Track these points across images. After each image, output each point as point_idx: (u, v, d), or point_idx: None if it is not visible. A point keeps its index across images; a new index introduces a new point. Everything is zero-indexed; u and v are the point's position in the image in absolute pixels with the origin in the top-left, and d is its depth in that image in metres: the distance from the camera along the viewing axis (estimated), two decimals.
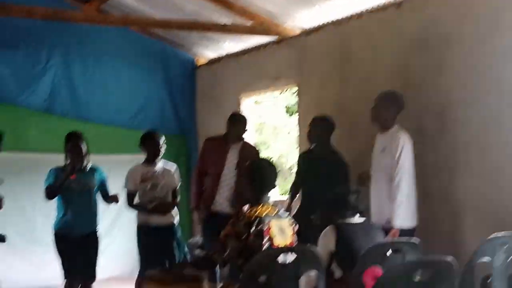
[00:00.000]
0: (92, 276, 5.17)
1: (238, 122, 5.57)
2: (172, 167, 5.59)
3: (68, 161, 5.11)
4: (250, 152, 5.53)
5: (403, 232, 4.56)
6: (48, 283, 6.33)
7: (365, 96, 5.21)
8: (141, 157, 5.54)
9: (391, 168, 4.64)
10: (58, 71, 7.37)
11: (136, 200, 5.44)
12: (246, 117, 5.74)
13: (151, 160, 5.45)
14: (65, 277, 5.11)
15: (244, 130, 5.57)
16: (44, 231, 5.67)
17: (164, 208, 5.37)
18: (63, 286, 5.13)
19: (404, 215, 4.61)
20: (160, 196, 5.39)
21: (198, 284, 4.04)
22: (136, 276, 5.45)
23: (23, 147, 7.03)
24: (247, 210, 3.66)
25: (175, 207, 5.54)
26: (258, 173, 3.84)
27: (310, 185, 5.32)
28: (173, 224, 5.47)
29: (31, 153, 7.01)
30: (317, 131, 5.36)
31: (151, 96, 8.05)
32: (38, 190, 5.24)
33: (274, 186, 3.84)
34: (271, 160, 4.07)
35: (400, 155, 4.60)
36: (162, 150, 5.48)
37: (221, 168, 5.46)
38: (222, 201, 5.47)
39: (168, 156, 5.88)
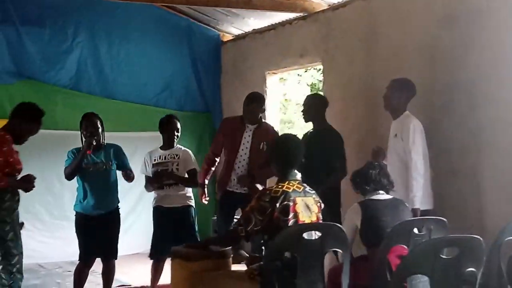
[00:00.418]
0: (113, 252, 5.20)
1: (255, 102, 5.53)
2: (186, 151, 5.55)
3: (84, 139, 5.09)
4: (266, 132, 5.49)
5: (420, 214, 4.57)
6: (75, 257, 6.40)
7: (392, 72, 5.13)
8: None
9: (404, 152, 4.70)
10: (84, 49, 7.40)
11: None
12: (264, 97, 5.69)
13: (166, 145, 5.48)
14: (81, 258, 5.11)
15: (260, 110, 5.53)
16: (71, 207, 5.73)
17: (162, 178, 5.31)
18: (77, 267, 5.14)
19: (421, 197, 4.61)
20: (170, 182, 5.37)
21: (224, 260, 4.08)
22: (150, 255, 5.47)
23: (50, 125, 7.08)
24: (274, 185, 3.65)
25: (191, 188, 5.53)
26: (284, 149, 3.82)
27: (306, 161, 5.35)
28: (188, 206, 5.45)
29: (58, 130, 7.08)
30: (311, 109, 5.45)
31: (176, 73, 8.05)
32: None
33: (300, 162, 3.83)
34: (298, 137, 4.04)
35: (413, 139, 4.65)
36: (178, 133, 5.48)
37: (236, 148, 5.47)
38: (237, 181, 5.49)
39: (193, 134, 5.92)
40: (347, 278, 3.63)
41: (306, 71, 10.93)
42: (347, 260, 3.63)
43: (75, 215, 5.17)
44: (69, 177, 5.09)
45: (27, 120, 4.21)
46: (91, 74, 7.47)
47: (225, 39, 8.31)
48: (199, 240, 5.29)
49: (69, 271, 6.19)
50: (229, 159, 5.49)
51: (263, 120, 5.62)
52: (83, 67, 7.41)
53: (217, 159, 5.68)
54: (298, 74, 11.23)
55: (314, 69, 9.70)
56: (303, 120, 5.65)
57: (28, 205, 5.00)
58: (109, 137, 6.21)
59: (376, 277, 3.80)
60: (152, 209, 5.46)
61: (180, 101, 8.08)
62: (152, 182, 5.35)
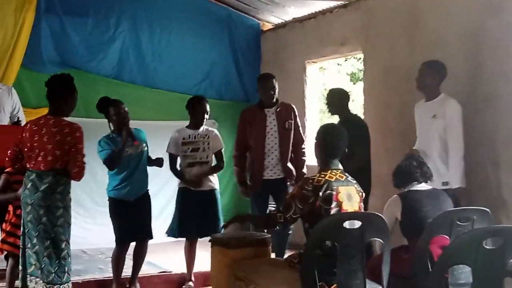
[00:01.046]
0: (148, 232, 5.26)
1: (267, 79, 5.56)
2: (213, 131, 5.61)
3: (115, 128, 5.13)
4: (288, 110, 5.54)
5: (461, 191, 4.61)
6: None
7: None
8: (208, 123, 5.61)
9: (444, 132, 4.79)
10: (126, 39, 7.48)
11: (179, 162, 5.53)
12: (274, 76, 5.66)
13: (194, 124, 5.51)
14: (118, 242, 5.19)
15: (273, 90, 5.52)
16: None
17: (198, 185, 5.40)
18: (114, 251, 5.23)
19: (462, 176, 4.69)
20: (201, 159, 5.45)
21: (264, 247, 4.10)
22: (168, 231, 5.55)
23: (93, 113, 7.20)
24: (317, 174, 3.64)
25: (217, 172, 5.59)
26: (328, 138, 3.81)
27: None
28: (214, 189, 5.51)
29: (100, 118, 7.18)
30: (334, 101, 5.58)
31: (216, 63, 8.08)
32: None
33: (344, 152, 3.81)
34: (342, 127, 4.01)
35: (456, 119, 4.76)
36: (207, 115, 5.52)
37: (263, 136, 5.48)
38: (271, 168, 5.51)
39: (232, 123, 5.93)
40: (387, 268, 3.61)
41: (346, 60, 10.84)
42: (387, 250, 3.60)
43: (108, 200, 5.25)
44: (113, 167, 5.11)
45: (74, 93, 4.27)
46: (133, 63, 7.55)
47: (265, 28, 8.30)
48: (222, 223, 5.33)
49: (111, 257, 6.32)
50: (258, 149, 5.50)
51: (279, 101, 5.61)
52: (125, 56, 7.49)
53: (246, 156, 5.66)
54: (338, 64, 11.14)
55: (354, 58, 9.61)
56: (329, 113, 5.79)
57: (72, 192, 5.07)
58: (150, 126, 6.33)
59: (417, 268, 3.77)
60: (177, 190, 5.52)
61: (220, 91, 8.11)
62: (194, 184, 5.38)
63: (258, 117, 5.53)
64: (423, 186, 4.22)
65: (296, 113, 5.66)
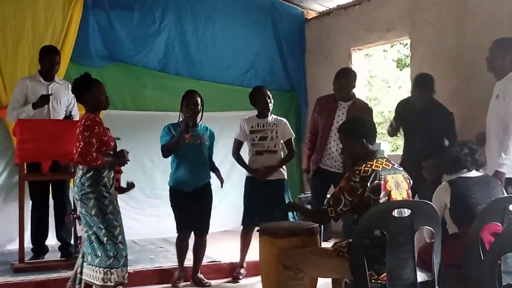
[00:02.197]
0: (205, 227, 5.35)
1: (345, 78, 5.48)
2: (282, 120, 5.64)
3: (183, 118, 5.23)
4: (359, 109, 5.43)
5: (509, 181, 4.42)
6: (166, 235, 6.64)
7: (484, 46, 4.89)
8: (252, 113, 5.63)
9: (505, 113, 4.53)
10: (171, 31, 7.53)
11: (247, 149, 5.57)
12: (354, 72, 5.61)
13: (261, 113, 5.55)
14: (179, 230, 5.30)
15: (351, 86, 5.47)
16: (162, 185, 5.91)
17: (263, 176, 5.43)
18: (177, 238, 5.33)
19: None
20: (269, 148, 5.47)
21: (311, 237, 4.10)
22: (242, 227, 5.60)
23: (140, 106, 7.34)
24: (363, 165, 3.61)
25: (287, 163, 5.61)
26: (367, 127, 3.79)
27: (416, 137, 5.21)
28: (282, 179, 5.54)
29: (148, 111, 7.30)
30: (418, 87, 5.28)
31: (260, 53, 8.07)
32: (156, 147, 5.45)
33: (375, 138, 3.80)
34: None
35: None
36: (271, 103, 5.53)
37: (329, 126, 5.44)
38: (330, 160, 5.47)
39: (278, 113, 5.92)
40: (438, 257, 3.57)
41: (392, 46, 10.68)
42: (438, 238, 3.55)
43: (169, 190, 5.34)
44: (166, 155, 5.25)
45: (91, 87, 4.34)
46: (178, 55, 7.60)
47: (309, 17, 8.24)
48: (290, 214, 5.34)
49: (161, 247, 6.44)
50: (322, 137, 5.48)
51: (356, 97, 5.55)
52: (170, 49, 7.55)
53: (317, 140, 5.63)
54: (384, 50, 10.98)
55: (400, 44, 9.45)
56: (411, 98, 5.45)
57: (121, 184, 5.18)
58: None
59: (469, 256, 3.71)
60: (245, 178, 5.57)
61: (265, 80, 8.10)
62: (260, 176, 5.43)
63: (329, 106, 5.50)
64: (473, 173, 4.14)
65: (371, 112, 5.61)
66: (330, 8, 7.80)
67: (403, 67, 11.27)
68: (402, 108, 5.46)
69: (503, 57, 4.65)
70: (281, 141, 5.57)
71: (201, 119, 5.37)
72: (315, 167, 5.53)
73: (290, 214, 5.31)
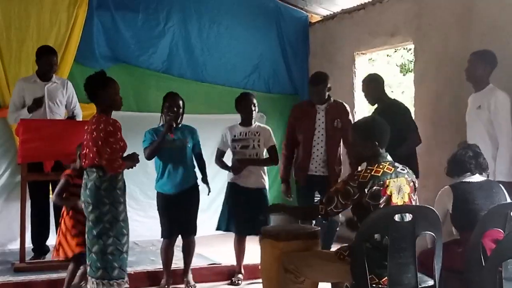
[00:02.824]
0: (193, 229, 5.31)
1: (320, 82, 5.47)
2: (266, 128, 5.63)
3: (165, 120, 5.20)
4: (337, 109, 5.48)
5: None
6: None
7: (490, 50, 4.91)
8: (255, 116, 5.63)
9: (490, 124, 4.72)
10: (176, 33, 7.54)
11: (230, 158, 5.57)
12: (327, 76, 5.59)
13: (245, 121, 5.54)
14: (165, 236, 5.27)
15: (326, 89, 5.47)
16: None
17: (237, 171, 5.42)
18: (162, 244, 5.32)
19: (508, 169, 4.61)
20: (251, 157, 5.48)
21: (313, 240, 4.09)
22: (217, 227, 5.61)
23: (143, 107, 7.34)
24: (363, 170, 3.59)
25: (268, 165, 5.62)
26: (377, 129, 3.72)
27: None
28: (262, 188, 5.53)
29: (151, 112, 7.28)
30: (370, 91, 5.42)
31: (264, 56, 8.07)
32: None
33: (387, 143, 3.75)
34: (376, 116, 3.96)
35: (502, 111, 4.68)
36: (255, 111, 5.54)
37: (311, 132, 5.44)
38: (315, 165, 5.47)
39: (281, 116, 5.94)
40: (439, 262, 3.56)
41: (395, 51, 10.67)
42: (439, 243, 3.54)
43: (156, 195, 5.33)
44: (149, 157, 5.21)
45: (107, 86, 4.29)
46: (182, 57, 7.61)
47: (313, 20, 8.24)
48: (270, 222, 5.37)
49: (160, 250, 6.41)
50: (305, 144, 5.47)
51: (331, 98, 5.56)
52: (174, 51, 7.56)
53: (294, 153, 5.62)
54: (388, 55, 10.98)
55: (404, 48, 9.45)
56: (369, 104, 5.65)
57: None
58: (199, 119, 6.39)
59: (470, 262, 3.69)
60: (226, 184, 5.57)
61: (268, 84, 8.11)
62: (234, 170, 5.44)
63: (308, 112, 5.51)
64: (476, 178, 4.13)
65: (348, 111, 5.60)
66: (334, 12, 7.80)
67: (407, 72, 11.27)
68: None
69: (482, 68, 4.83)
70: (264, 149, 5.56)
71: (181, 121, 5.31)
72: (304, 175, 5.50)
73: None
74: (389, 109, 5.19)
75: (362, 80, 5.59)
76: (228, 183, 5.58)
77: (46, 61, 5.71)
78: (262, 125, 5.69)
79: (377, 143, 3.66)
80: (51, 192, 5.84)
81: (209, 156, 5.63)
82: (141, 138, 6.81)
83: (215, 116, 7.19)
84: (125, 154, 4.38)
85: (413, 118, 5.56)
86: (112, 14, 7.18)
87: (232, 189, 5.52)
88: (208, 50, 7.75)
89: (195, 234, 5.34)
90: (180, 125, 5.28)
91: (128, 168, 4.43)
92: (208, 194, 5.36)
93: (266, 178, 5.60)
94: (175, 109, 5.20)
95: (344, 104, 5.65)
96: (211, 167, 5.60)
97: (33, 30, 6.62)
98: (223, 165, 5.57)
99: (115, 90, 4.31)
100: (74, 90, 6.06)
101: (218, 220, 5.58)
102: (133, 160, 4.38)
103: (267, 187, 5.61)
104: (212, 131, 6.21)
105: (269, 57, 8.11)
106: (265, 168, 5.61)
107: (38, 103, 5.59)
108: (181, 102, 5.26)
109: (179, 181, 5.21)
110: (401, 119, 5.17)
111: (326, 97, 5.51)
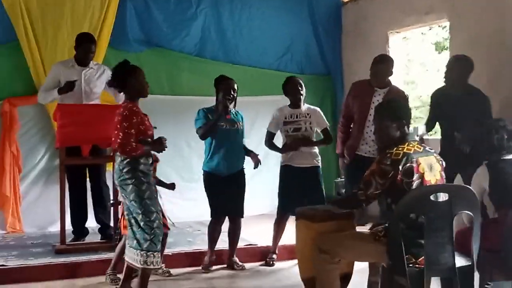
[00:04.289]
0: (240, 211, 5.39)
1: (382, 64, 5.39)
2: (316, 109, 5.62)
3: (220, 101, 5.25)
4: (397, 96, 5.32)
5: None
6: (203, 218, 6.68)
7: None
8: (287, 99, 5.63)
9: None
10: (208, 16, 7.55)
11: (282, 141, 5.58)
12: (392, 59, 5.54)
13: (294, 103, 5.54)
14: (213, 216, 5.35)
15: (389, 73, 5.40)
16: (199, 169, 5.94)
17: (296, 147, 5.42)
18: (210, 223, 5.39)
19: None
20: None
21: (348, 221, 4.10)
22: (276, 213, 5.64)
23: (177, 90, 7.40)
24: (394, 148, 3.59)
25: (322, 145, 5.63)
26: (403, 110, 3.77)
27: (452, 123, 5.13)
28: (317, 167, 5.54)
29: (184, 96, 7.35)
30: (454, 73, 5.19)
31: (296, 37, 8.03)
32: (192, 131, 5.48)
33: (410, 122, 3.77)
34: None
35: None
36: (304, 93, 5.53)
37: (366, 112, 5.36)
38: (366, 146, 5.42)
39: (314, 97, 5.92)
40: (477, 242, 3.54)
41: (430, 29, 10.49)
42: (477, 223, 3.52)
43: (203, 174, 5.38)
44: (203, 137, 5.27)
45: (134, 74, 4.36)
46: (215, 40, 7.62)
47: (345, 0, 8.15)
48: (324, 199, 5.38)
49: (199, 230, 6.51)
50: (359, 124, 5.43)
51: (392, 84, 5.47)
52: (206, 33, 7.57)
53: (351, 125, 5.59)
54: (422, 33, 10.80)
55: (439, 26, 9.29)
56: (445, 84, 5.35)
57: (160, 169, 5.25)
58: None
59: (508, 240, 3.66)
60: (280, 167, 5.59)
61: (301, 65, 8.07)
62: (289, 148, 5.45)
63: (365, 92, 5.43)
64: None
65: (408, 100, 5.52)
66: None
67: (442, 50, 11.08)
68: (438, 97, 5.39)
69: None
70: (317, 130, 5.56)
71: (235, 105, 5.38)
72: (352, 153, 5.49)
73: None
74: (471, 95, 5.06)
75: (450, 58, 5.37)
76: (282, 166, 5.59)
77: (85, 48, 5.77)
78: (312, 106, 5.67)
79: (404, 122, 3.67)
80: (88, 175, 5.97)
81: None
82: (175, 121, 6.93)
83: (248, 98, 7.18)
84: (156, 137, 4.45)
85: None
86: None
87: (287, 171, 5.52)
88: (240, 32, 7.74)
89: (242, 217, 5.42)
90: (234, 109, 5.36)
91: (157, 152, 4.49)
92: (255, 167, 5.40)
93: (319, 157, 5.60)
94: (232, 92, 5.27)
95: (405, 92, 5.59)
96: (257, 151, 5.61)
97: (67, 16, 6.70)
98: (275, 148, 5.59)
99: (143, 77, 4.40)
100: None
101: (278, 205, 5.60)
102: (159, 144, 4.42)
103: (320, 164, 5.60)
104: (245, 114, 6.21)
105: (301, 38, 8.06)
106: (317, 148, 5.61)
107: (70, 86, 5.65)
108: (236, 86, 5.32)
109: (232, 163, 5.29)
110: (482, 107, 5.05)
111: (386, 80, 5.42)
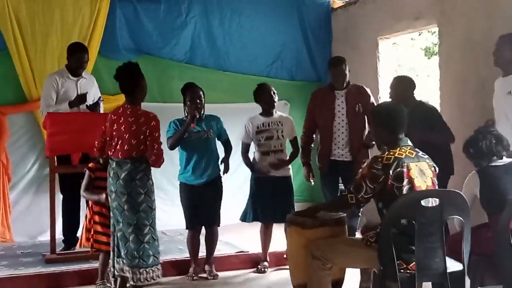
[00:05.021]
0: (216, 220, 5.36)
1: (337, 66, 5.45)
2: (288, 118, 5.65)
3: (188, 111, 5.22)
4: (359, 93, 5.45)
5: None
6: None
7: None
8: (279, 104, 5.62)
9: None
10: (198, 23, 7.55)
11: (253, 149, 5.60)
12: (344, 59, 5.56)
13: (266, 111, 5.54)
14: (189, 227, 5.33)
15: (344, 73, 5.44)
16: None
17: (276, 167, 5.44)
18: (188, 236, 5.38)
19: None
20: (276, 148, 5.49)
21: (339, 227, 4.09)
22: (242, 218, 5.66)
23: (167, 98, 7.38)
24: (386, 153, 3.59)
25: (294, 160, 5.64)
26: (390, 115, 3.75)
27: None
28: (288, 176, 5.57)
29: (175, 103, 7.31)
30: (399, 92, 5.23)
31: (287, 44, 8.04)
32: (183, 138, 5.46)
33: (405, 128, 3.75)
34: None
35: None
36: (276, 100, 5.54)
37: (331, 117, 5.42)
38: (338, 150, 5.45)
39: (304, 104, 5.90)
40: (468, 246, 3.54)
41: (419, 35, 10.55)
42: (468, 227, 3.52)
43: (179, 185, 5.38)
44: (172, 147, 5.24)
45: (143, 78, 4.36)
46: (205, 47, 7.62)
47: (335, 6, 8.18)
48: (295, 209, 5.38)
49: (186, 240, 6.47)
50: (327, 129, 5.46)
51: (351, 83, 5.52)
52: (196, 41, 7.58)
53: (314, 136, 5.67)
54: (412, 38, 10.86)
55: (428, 32, 9.34)
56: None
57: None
58: (223, 109, 6.40)
59: (498, 246, 3.67)
60: (251, 176, 5.60)
61: (291, 71, 8.09)
62: (259, 173, 5.47)
63: (327, 98, 5.49)
64: (501, 161, 4.09)
65: (369, 94, 5.57)
66: None
67: (431, 56, 11.14)
68: None
69: (510, 52, 4.67)
70: (288, 138, 5.58)
71: (204, 111, 5.33)
72: (326, 162, 5.50)
73: None
74: (417, 111, 5.07)
75: (393, 78, 5.48)
76: (253, 175, 5.60)
77: (78, 59, 5.76)
78: (283, 114, 5.70)
79: (390, 130, 3.68)
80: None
81: (232, 144, 5.63)
82: (165, 128, 6.89)
83: (238, 105, 7.20)
84: None
85: (440, 111, 5.45)
86: (134, 6, 7.21)
87: (257, 179, 5.53)
88: (230, 40, 7.75)
89: (218, 225, 5.39)
90: (204, 115, 5.30)
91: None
92: (224, 174, 5.38)
93: (290, 166, 5.61)
94: (197, 100, 5.22)
95: (364, 87, 5.62)
96: (235, 158, 5.61)
97: (57, 24, 6.70)
98: (249, 164, 5.58)
99: (145, 84, 4.42)
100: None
101: (243, 212, 5.62)
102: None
103: (291, 174, 5.63)
104: (235, 120, 6.21)
105: (292, 45, 8.07)
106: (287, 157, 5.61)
107: (82, 98, 5.65)
108: (201, 93, 5.28)
109: (203, 173, 5.24)
110: (430, 120, 5.09)
111: (346, 81, 5.47)
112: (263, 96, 5.55)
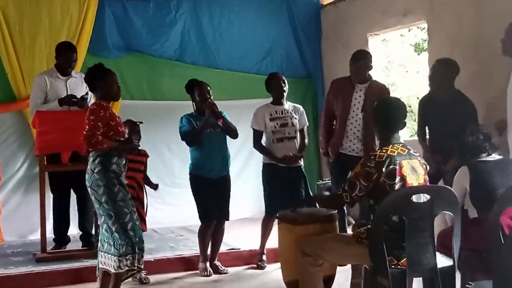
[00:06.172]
0: (227, 215, 5.38)
1: (361, 60, 5.37)
2: (300, 108, 5.64)
3: (204, 106, 5.20)
4: (378, 91, 5.32)
5: None
6: (185, 223, 6.70)
7: (503, 30, 4.82)
8: (269, 101, 5.62)
9: None
10: (187, 20, 7.55)
11: (264, 139, 5.55)
12: (370, 54, 5.54)
13: (277, 100, 5.53)
14: (204, 220, 5.30)
15: (368, 68, 5.37)
16: (180, 174, 5.94)
17: (291, 161, 5.41)
18: (200, 228, 5.35)
19: None
20: (290, 134, 5.46)
21: (330, 224, 4.10)
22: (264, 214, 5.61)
23: (157, 95, 7.38)
24: (378, 150, 3.60)
25: (304, 150, 5.61)
26: (385, 112, 3.74)
27: (439, 131, 5.14)
28: (300, 166, 5.54)
29: (165, 100, 7.32)
30: (441, 75, 5.16)
31: (276, 40, 8.05)
32: (173, 136, 5.47)
33: (403, 125, 3.74)
34: (399, 99, 3.93)
35: None
36: (286, 89, 5.53)
37: (347, 110, 5.35)
38: (350, 144, 5.41)
39: (295, 100, 5.92)
40: (458, 242, 3.55)
41: (409, 31, 10.58)
42: (458, 223, 3.54)
43: (190, 176, 5.34)
44: (191, 143, 5.26)
45: (103, 77, 4.36)
46: (194, 45, 7.62)
47: (325, 3, 8.19)
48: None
49: (181, 236, 6.49)
50: (341, 121, 5.40)
51: (373, 79, 5.46)
52: (186, 38, 7.57)
53: (334, 123, 5.55)
54: (401, 35, 10.88)
55: (417, 28, 9.36)
56: (429, 87, 5.35)
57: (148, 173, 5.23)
58: None
59: (489, 240, 3.68)
60: (262, 166, 5.55)
61: (281, 68, 8.08)
62: (280, 161, 5.41)
63: (345, 89, 5.40)
64: (492, 156, 4.11)
65: (390, 93, 5.51)
66: None
67: (421, 52, 11.17)
68: (425, 104, 5.38)
69: None
70: (301, 126, 5.56)
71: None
72: (336, 152, 5.47)
73: None
74: (455, 100, 5.02)
75: (436, 60, 5.34)
76: (264, 164, 5.54)
77: (66, 58, 5.73)
78: (295, 104, 5.68)
79: (386, 125, 3.68)
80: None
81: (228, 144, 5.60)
82: (156, 126, 6.90)
83: (229, 102, 7.19)
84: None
85: None
86: (123, 3, 7.20)
87: (271, 170, 5.48)
88: (220, 37, 7.75)
89: (227, 219, 5.41)
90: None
91: (126, 152, 4.38)
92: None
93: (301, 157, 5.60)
94: (208, 95, 5.26)
95: (386, 86, 5.58)
96: (239, 157, 5.57)
97: (45, 24, 6.67)
98: (265, 151, 5.50)
99: (112, 80, 4.39)
100: None
101: (265, 204, 5.55)
102: (128, 142, 4.38)
103: (302, 164, 5.60)
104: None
105: (281, 42, 8.09)
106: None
107: (73, 99, 5.61)
108: (208, 87, 5.33)
109: (221, 167, 5.29)
110: (468, 112, 5.03)
111: (366, 76, 5.39)
112: (274, 85, 5.53)
